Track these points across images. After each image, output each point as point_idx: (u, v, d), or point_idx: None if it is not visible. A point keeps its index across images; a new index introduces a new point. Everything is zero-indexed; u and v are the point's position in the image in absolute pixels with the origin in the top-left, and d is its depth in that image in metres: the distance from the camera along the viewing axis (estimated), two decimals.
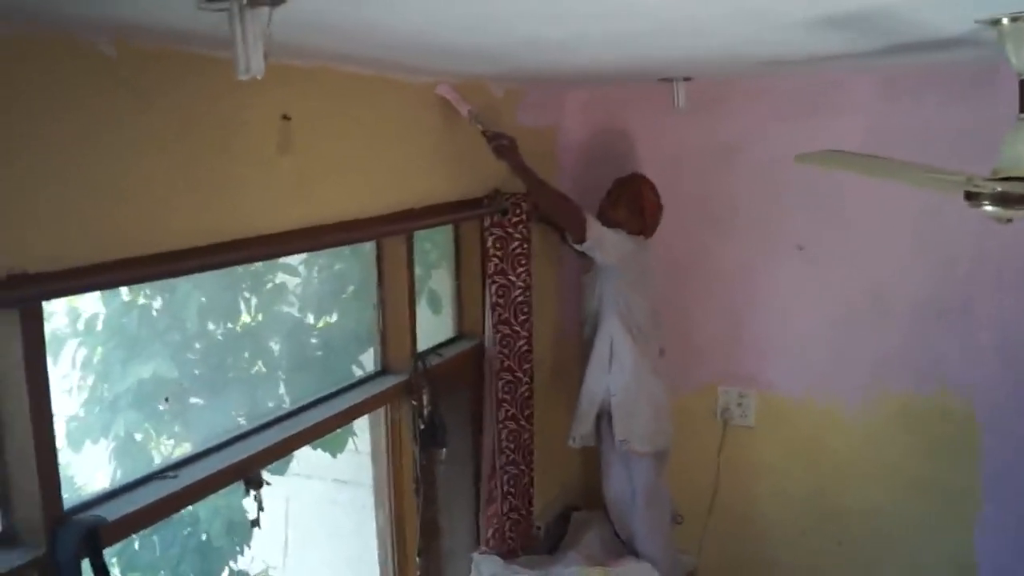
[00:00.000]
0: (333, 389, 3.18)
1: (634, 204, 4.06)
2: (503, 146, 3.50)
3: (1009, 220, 2.26)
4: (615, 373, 4.03)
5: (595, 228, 3.79)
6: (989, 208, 2.19)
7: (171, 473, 2.42)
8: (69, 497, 2.09)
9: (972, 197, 2.23)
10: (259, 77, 1.55)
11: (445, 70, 3.15)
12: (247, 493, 2.61)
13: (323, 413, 3.00)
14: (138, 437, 2.83)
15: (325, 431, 3.04)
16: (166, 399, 2.74)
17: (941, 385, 4.09)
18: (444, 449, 3.48)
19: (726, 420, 4.56)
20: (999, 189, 2.17)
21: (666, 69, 3.57)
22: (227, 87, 2.22)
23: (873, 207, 4.07)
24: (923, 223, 3.99)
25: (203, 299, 2.96)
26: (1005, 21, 2.07)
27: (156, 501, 2.27)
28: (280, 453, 2.84)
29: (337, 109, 2.80)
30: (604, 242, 3.83)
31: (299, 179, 2.60)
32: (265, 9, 1.56)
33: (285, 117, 2.49)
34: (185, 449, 2.78)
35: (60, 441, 2.26)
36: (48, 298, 1.96)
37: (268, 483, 2.68)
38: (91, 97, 1.94)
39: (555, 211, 3.86)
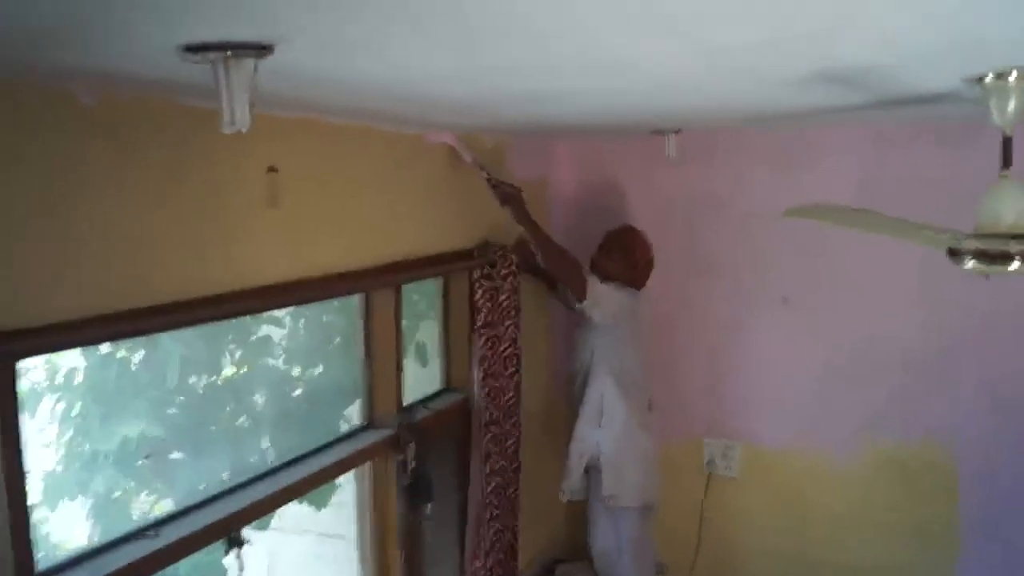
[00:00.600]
0: (318, 444, 3.12)
1: (626, 256, 4.05)
2: (509, 194, 3.51)
3: (987, 276, 2.26)
4: (605, 428, 4.00)
5: (594, 287, 3.78)
6: (970, 264, 2.18)
7: (151, 532, 2.36)
8: (44, 556, 2.03)
9: (954, 253, 2.23)
10: (244, 130, 1.52)
11: (434, 121, 3.14)
12: (228, 552, 2.55)
13: (307, 469, 2.95)
14: (117, 494, 2.76)
15: (309, 487, 2.99)
16: (146, 456, 2.67)
17: (925, 436, 4.10)
18: (429, 504, 3.42)
19: (711, 471, 4.54)
20: (979, 246, 2.17)
21: (657, 122, 3.57)
22: (213, 139, 2.18)
23: (859, 259, 4.09)
24: (908, 275, 4.00)
25: (185, 352, 2.90)
26: (989, 79, 2.09)
27: (135, 561, 2.22)
28: (264, 510, 2.78)
29: (325, 161, 2.78)
30: (601, 301, 3.82)
31: (287, 232, 2.58)
32: (250, 61, 1.53)
33: (272, 169, 2.47)
34: (166, 505, 2.71)
35: (36, 497, 2.20)
36: (22, 357, 1.92)
37: (249, 542, 2.61)
38: (71, 148, 1.91)
39: (556, 267, 3.83)
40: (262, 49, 1.53)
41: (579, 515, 4.43)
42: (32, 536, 1.91)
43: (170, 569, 2.71)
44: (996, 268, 2.15)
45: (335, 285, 2.86)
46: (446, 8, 1.34)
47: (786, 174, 4.16)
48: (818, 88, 2.39)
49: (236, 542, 2.56)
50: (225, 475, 2.92)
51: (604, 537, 4.19)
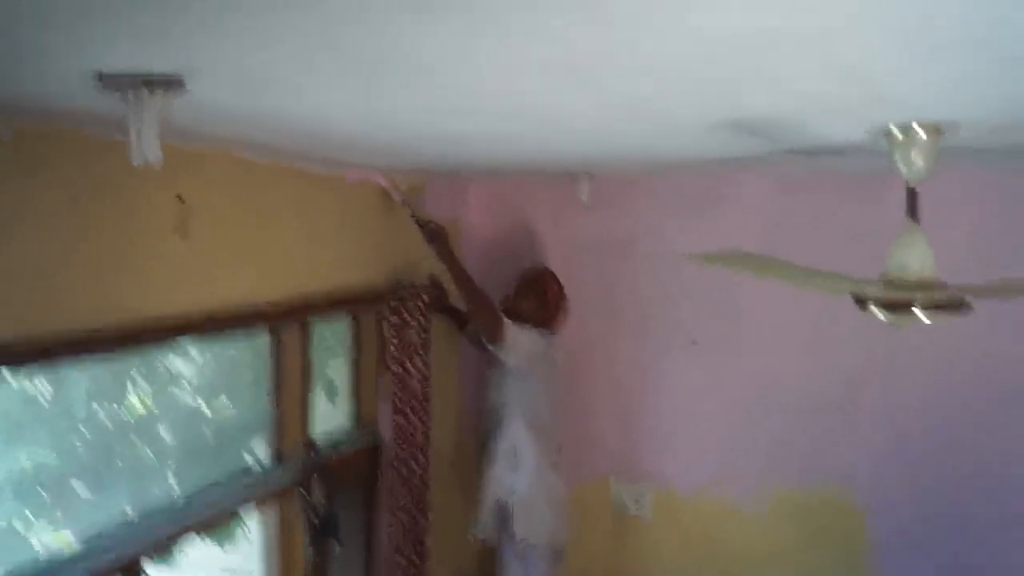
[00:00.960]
0: (224, 479, 3.10)
1: (539, 296, 4.10)
2: (435, 232, 3.61)
3: (899, 328, 2.33)
4: (518, 472, 4.02)
5: (510, 331, 3.82)
6: (877, 313, 2.27)
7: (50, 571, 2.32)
8: None
9: (859, 301, 2.31)
10: (155, 163, 1.55)
11: (344, 160, 3.18)
12: None
13: (213, 504, 2.93)
14: (16, 523, 2.73)
15: (215, 523, 2.97)
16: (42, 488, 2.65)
17: (828, 477, 4.19)
18: (337, 543, 3.41)
19: (622, 512, 4.57)
20: (884, 295, 2.26)
21: (569, 165, 3.65)
22: (123, 167, 2.19)
23: (765, 303, 4.19)
24: (813, 319, 4.11)
25: (89, 384, 2.89)
26: (894, 131, 2.20)
27: None
28: (167, 545, 2.75)
29: (237, 193, 2.81)
30: (516, 344, 3.85)
31: (195, 263, 2.59)
32: (160, 93, 1.57)
33: (179, 198, 2.48)
34: (65, 537, 2.68)
35: None
36: None
37: None
38: None
39: (473, 307, 3.85)
40: (172, 83, 1.57)
41: (489, 557, 4.40)
42: None
43: None
44: (901, 318, 2.24)
45: (243, 319, 2.86)
46: (347, 49, 1.40)
47: (697, 219, 4.26)
48: (727, 136, 2.48)
49: None
50: (128, 509, 2.90)
51: None
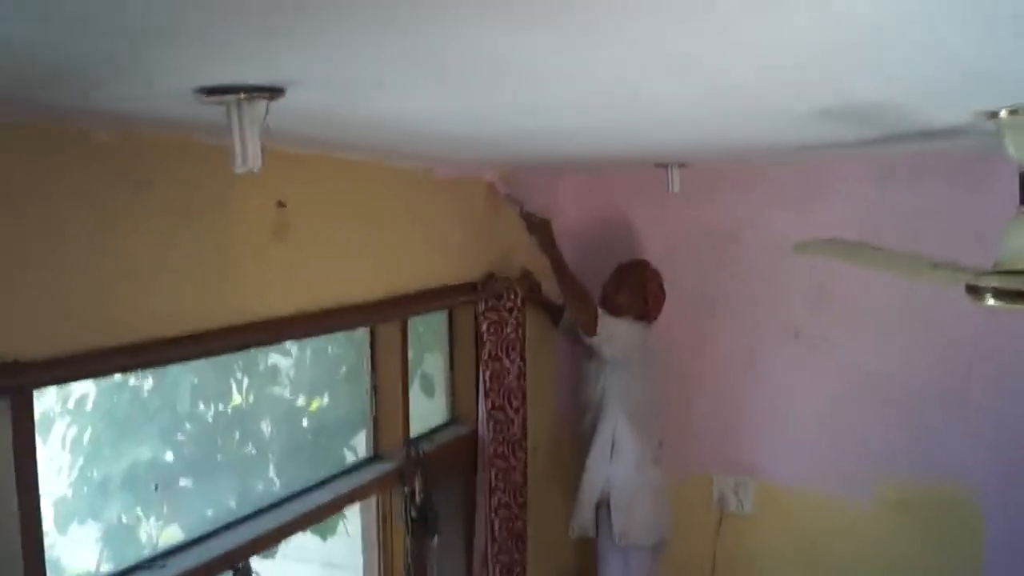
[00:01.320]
0: (324, 475, 3.16)
1: (638, 290, 4.06)
2: (538, 223, 3.72)
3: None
4: (616, 464, 3.99)
5: (606, 323, 3.80)
6: (992, 303, 2.18)
7: (159, 563, 2.39)
8: None
9: (974, 291, 2.22)
10: (255, 171, 1.57)
11: (439, 156, 3.18)
12: None
13: (314, 500, 2.99)
14: (126, 519, 2.79)
15: (316, 519, 3.02)
16: (155, 486, 2.70)
17: (941, 473, 4.03)
18: (436, 537, 3.44)
19: (723, 508, 4.50)
20: (999, 285, 2.17)
21: (661, 156, 3.60)
22: (224, 173, 2.22)
23: (870, 292, 4.06)
24: (921, 308, 3.96)
25: (195, 380, 2.94)
26: (1003, 114, 2.08)
27: None
28: (270, 541, 2.81)
29: (332, 195, 2.83)
30: (613, 336, 3.83)
31: (294, 265, 2.62)
32: (262, 103, 1.58)
33: (280, 204, 2.52)
34: (173, 531, 2.74)
35: (47, 523, 2.24)
36: (39, 386, 1.96)
37: (257, 574, 2.64)
38: (87, 184, 1.96)
39: (570, 298, 3.86)
40: (274, 91, 1.58)
41: (588, 551, 4.36)
42: (44, 562, 1.95)
43: None
44: (1018, 306, 2.16)
45: (341, 318, 2.89)
46: (452, 53, 1.39)
47: (794, 207, 4.16)
48: (826, 123, 2.40)
49: (243, 573, 2.58)
50: (232, 502, 2.96)
51: (614, 575, 4.17)
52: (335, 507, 3.11)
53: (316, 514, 2.97)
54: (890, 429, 4.13)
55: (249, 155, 1.58)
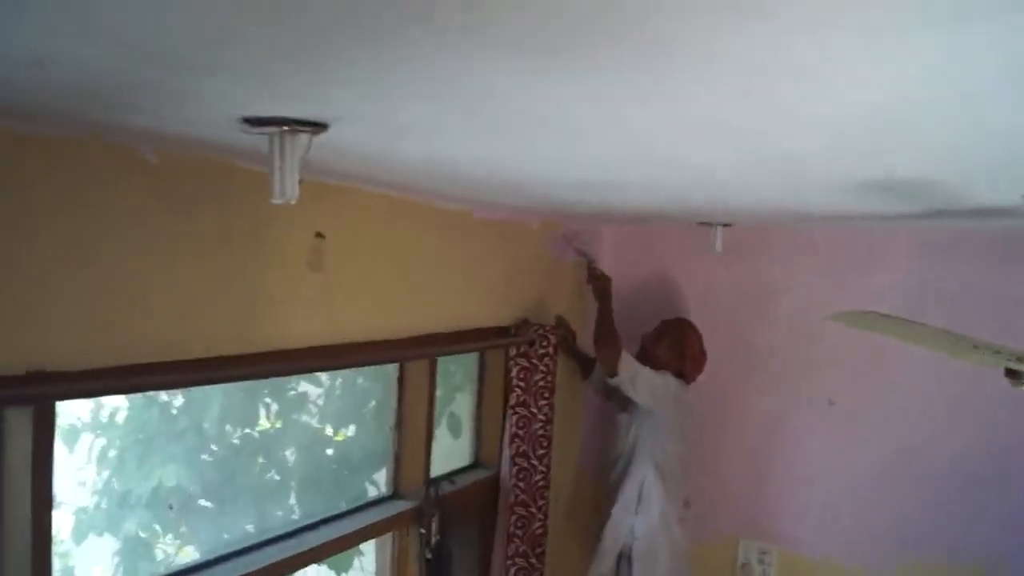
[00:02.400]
0: (344, 507, 3.16)
1: (676, 346, 4.05)
2: (598, 276, 3.96)
3: None
4: (642, 516, 3.95)
5: (629, 364, 3.79)
6: None
7: None
8: None
9: (1013, 375, 2.18)
10: (292, 202, 1.59)
11: (478, 199, 3.19)
12: None
13: (332, 533, 2.98)
14: (144, 535, 2.81)
15: (332, 551, 3.01)
16: (170, 506, 2.72)
17: (973, 556, 3.90)
18: None
19: (746, 572, 4.43)
20: None
21: (705, 215, 3.60)
22: (264, 200, 2.27)
23: (909, 365, 3.97)
24: (960, 386, 3.86)
25: (224, 401, 2.97)
26: None
27: None
28: (285, 570, 2.80)
29: (369, 229, 2.85)
30: (637, 378, 3.81)
31: (327, 296, 2.64)
32: (305, 136, 1.61)
33: (319, 235, 2.54)
34: (189, 552, 2.75)
35: (66, 531, 2.26)
36: (63, 398, 1.98)
37: None
38: (129, 201, 2.00)
39: (600, 338, 3.86)
40: (317, 127, 1.61)
41: None
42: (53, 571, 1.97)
43: None
44: None
45: (370, 353, 2.90)
46: (497, 103, 1.41)
47: (836, 275, 4.12)
48: (871, 196, 2.40)
49: None
50: (250, 527, 2.97)
51: None
52: (352, 542, 3.10)
53: (332, 546, 2.96)
54: (920, 507, 4.03)
55: (287, 187, 1.61)
